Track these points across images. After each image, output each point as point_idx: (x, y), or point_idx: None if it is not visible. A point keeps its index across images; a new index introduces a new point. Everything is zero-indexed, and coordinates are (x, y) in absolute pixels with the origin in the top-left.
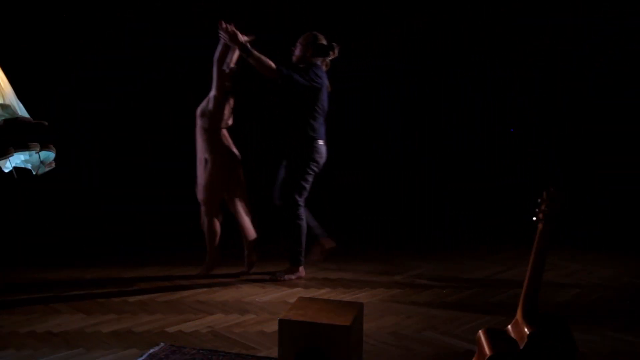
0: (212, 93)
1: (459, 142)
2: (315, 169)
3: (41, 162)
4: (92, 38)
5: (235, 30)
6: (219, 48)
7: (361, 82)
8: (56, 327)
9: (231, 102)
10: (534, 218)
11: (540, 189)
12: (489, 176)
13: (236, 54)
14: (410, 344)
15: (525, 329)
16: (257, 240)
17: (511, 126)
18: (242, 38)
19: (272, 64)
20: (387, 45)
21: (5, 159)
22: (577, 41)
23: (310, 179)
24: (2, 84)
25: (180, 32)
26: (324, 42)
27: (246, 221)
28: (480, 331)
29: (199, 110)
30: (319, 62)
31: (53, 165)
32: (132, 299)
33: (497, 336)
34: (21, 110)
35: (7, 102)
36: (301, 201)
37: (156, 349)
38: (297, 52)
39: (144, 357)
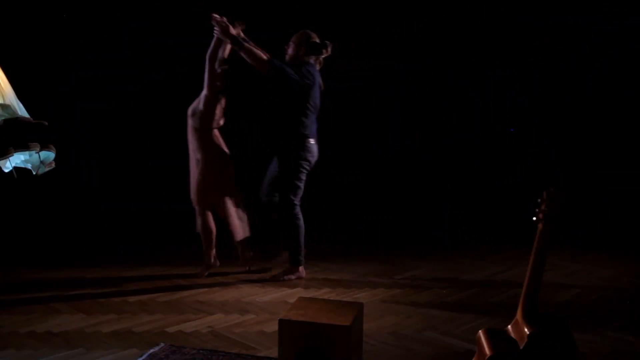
0: (204, 92)
1: (459, 142)
2: (307, 167)
3: (41, 162)
4: (92, 38)
5: (227, 23)
6: (212, 45)
7: (361, 82)
8: (56, 327)
9: (222, 101)
10: (534, 218)
11: (540, 189)
12: (489, 176)
13: (228, 47)
14: (410, 344)
15: (525, 329)
16: (249, 238)
17: (511, 126)
18: (234, 31)
19: (264, 57)
20: (387, 45)
21: (5, 159)
22: (577, 41)
23: (303, 177)
24: (2, 84)
25: (180, 32)
26: (317, 40)
27: (235, 221)
28: (480, 331)
29: (190, 110)
30: (312, 61)
31: (53, 165)
32: (132, 299)
33: (497, 336)
34: (21, 110)
35: (7, 102)
36: (297, 200)
37: (156, 349)
38: (290, 50)
39: (144, 357)
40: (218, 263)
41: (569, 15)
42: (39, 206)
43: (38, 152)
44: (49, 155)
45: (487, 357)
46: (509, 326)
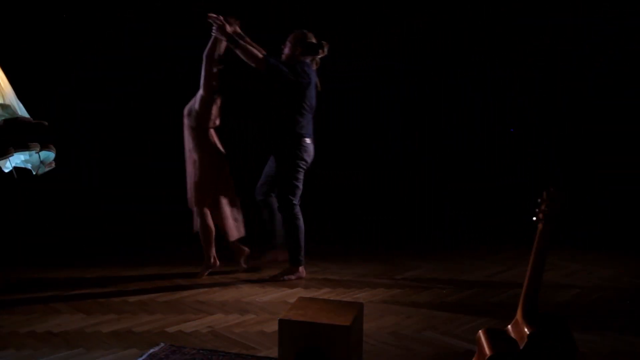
0: (200, 92)
1: (459, 142)
2: (304, 167)
3: (41, 162)
4: (92, 38)
5: (224, 22)
6: (209, 44)
7: (361, 82)
8: (56, 327)
9: (218, 101)
10: (534, 218)
11: (540, 189)
12: (489, 176)
13: (223, 45)
14: (410, 344)
15: (525, 329)
16: (244, 237)
17: (511, 126)
18: (230, 29)
19: (259, 54)
20: (387, 45)
21: (5, 159)
22: (577, 41)
23: (301, 177)
24: (2, 84)
25: (180, 32)
26: (314, 40)
27: (230, 222)
28: (480, 331)
29: (186, 110)
30: (308, 61)
31: (53, 165)
32: (132, 299)
33: (497, 336)
34: (21, 110)
35: (7, 102)
36: (296, 200)
37: (156, 349)
38: (287, 50)
39: (144, 357)
40: (218, 263)
41: (569, 15)
42: (39, 206)
43: (38, 152)
44: (49, 155)
45: (487, 357)
46: (509, 326)
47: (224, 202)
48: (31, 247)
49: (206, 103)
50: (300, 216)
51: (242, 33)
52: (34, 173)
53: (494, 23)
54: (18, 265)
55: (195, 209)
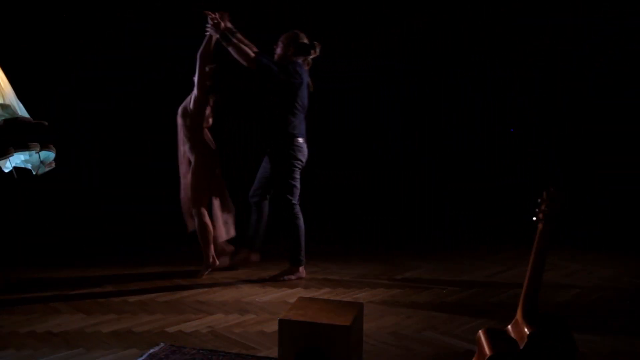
0: (194, 92)
1: (459, 142)
2: (299, 166)
3: (41, 162)
4: (92, 38)
5: (219, 19)
6: (203, 44)
7: (361, 82)
8: (56, 327)
9: (211, 101)
10: (534, 218)
11: (540, 189)
12: (489, 176)
13: (213, 41)
14: (410, 344)
15: (525, 329)
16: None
17: (511, 126)
18: (223, 26)
19: (251, 53)
20: (387, 45)
21: (5, 159)
22: (577, 41)
23: (297, 176)
24: (2, 84)
25: (180, 32)
26: (306, 40)
27: (219, 222)
28: (480, 331)
29: (180, 110)
30: (300, 61)
31: (53, 165)
32: (132, 299)
33: (497, 336)
34: (21, 110)
35: (7, 102)
36: (295, 200)
37: (156, 349)
38: (279, 50)
39: (144, 357)
40: (217, 262)
41: (569, 15)
42: (39, 206)
43: (38, 152)
44: (49, 155)
45: (487, 357)
46: (509, 326)
47: (216, 203)
48: (31, 247)
49: (200, 103)
50: (300, 216)
51: (233, 28)
52: (34, 173)
53: (494, 23)
54: (18, 265)
55: (192, 210)
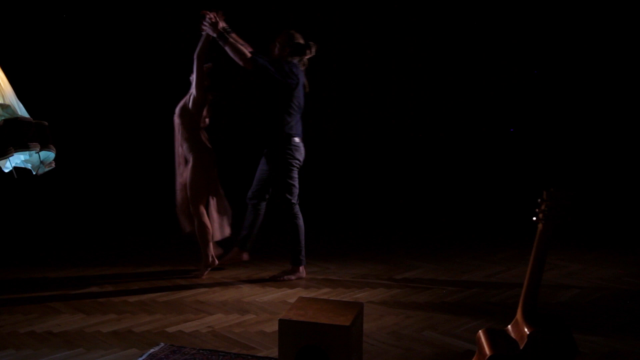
0: (193, 93)
1: (459, 142)
2: (297, 165)
3: (41, 162)
4: (92, 38)
5: (217, 19)
6: (200, 44)
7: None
8: (56, 327)
9: (208, 100)
10: (534, 218)
11: (540, 189)
12: (489, 176)
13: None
14: (410, 344)
15: (525, 329)
16: (229, 237)
17: (511, 126)
18: (220, 25)
19: (248, 53)
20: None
21: (5, 159)
22: (577, 41)
23: (295, 175)
24: (2, 84)
25: (180, 32)
26: (301, 41)
27: (215, 223)
28: (480, 331)
29: (178, 110)
30: (296, 61)
31: (53, 165)
32: (132, 299)
33: (497, 336)
34: (21, 110)
35: (7, 102)
36: (295, 199)
37: (156, 349)
38: (275, 51)
39: (144, 357)
40: (217, 262)
41: (569, 15)
42: (39, 206)
43: (38, 152)
44: (49, 155)
45: (487, 357)
46: (509, 326)
47: (212, 203)
48: (31, 247)
49: (199, 103)
50: (300, 215)
51: (228, 27)
52: (34, 173)
53: (494, 23)
54: (18, 265)
55: (191, 210)
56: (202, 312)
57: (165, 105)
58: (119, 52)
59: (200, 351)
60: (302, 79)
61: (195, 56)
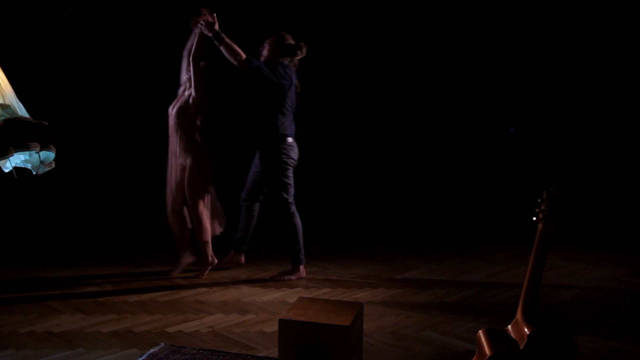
0: (191, 94)
1: (459, 142)
2: (292, 164)
3: (41, 162)
4: (92, 38)
5: (215, 19)
6: (194, 45)
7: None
8: (56, 327)
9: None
10: (534, 218)
11: (540, 189)
12: (489, 176)
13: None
14: (410, 344)
15: (525, 329)
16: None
17: (511, 126)
18: (217, 26)
19: (243, 54)
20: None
21: (5, 159)
22: (577, 41)
23: (290, 174)
24: (2, 84)
25: (180, 32)
26: (292, 42)
27: (206, 223)
28: (480, 331)
29: (174, 110)
30: (286, 62)
31: (53, 165)
32: (132, 299)
33: (497, 336)
34: (21, 110)
35: (7, 102)
36: (291, 199)
37: (156, 349)
38: (265, 52)
39: (144, 357)
40: (216, 261)
41: (569, 15)
42: (39, 206)
43: (38, 152)
44: (49, 155)
45: (487, 357)
46: (509, 326)
47: (207, 202)
48: (31, 247)
49: (198, 103)
50: (297, 214)
51: (218, 31)
52: (34, 173)
53: (494, 23)
54: (18, 265)
55: (190, 209)
56: (202, 312)
57: (164, 105)
58: (119, 52)
59: (200, 351)
60: (294, 80)
61: (190, 58)
